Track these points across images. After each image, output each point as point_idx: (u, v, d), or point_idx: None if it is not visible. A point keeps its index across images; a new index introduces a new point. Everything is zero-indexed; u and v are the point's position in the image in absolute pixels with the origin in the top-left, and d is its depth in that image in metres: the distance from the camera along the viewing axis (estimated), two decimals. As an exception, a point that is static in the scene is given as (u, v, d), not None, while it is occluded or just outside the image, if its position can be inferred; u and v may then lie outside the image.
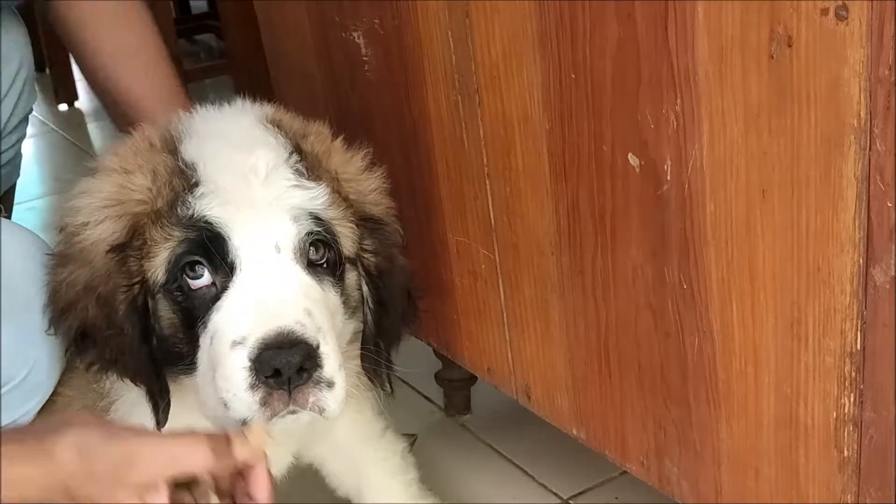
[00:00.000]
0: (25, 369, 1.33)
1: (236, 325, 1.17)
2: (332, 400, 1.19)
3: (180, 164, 1.24)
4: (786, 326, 1.14)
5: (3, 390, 1.33)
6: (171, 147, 1.28)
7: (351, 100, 1.74)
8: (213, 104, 1.40)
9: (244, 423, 1.17)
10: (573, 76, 1.27)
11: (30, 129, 1.85)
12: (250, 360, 1.15)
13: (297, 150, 1.28)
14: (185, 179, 1.22)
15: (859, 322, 1.07)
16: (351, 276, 1.31)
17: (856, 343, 1.08)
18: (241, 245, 1.19)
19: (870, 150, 0.99)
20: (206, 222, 1.19)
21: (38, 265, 1.32)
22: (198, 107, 1.40)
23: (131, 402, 1.33)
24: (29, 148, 3.02)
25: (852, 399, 1.11)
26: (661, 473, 1.41)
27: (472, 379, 1.92)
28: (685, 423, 1.33)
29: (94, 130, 4.06)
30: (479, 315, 1.65)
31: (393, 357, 1.38)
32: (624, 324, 1.36)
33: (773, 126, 1.06)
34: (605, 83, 1.23)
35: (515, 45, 1.35)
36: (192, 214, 1.19)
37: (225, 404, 1.17)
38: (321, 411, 1.19)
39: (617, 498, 1.75)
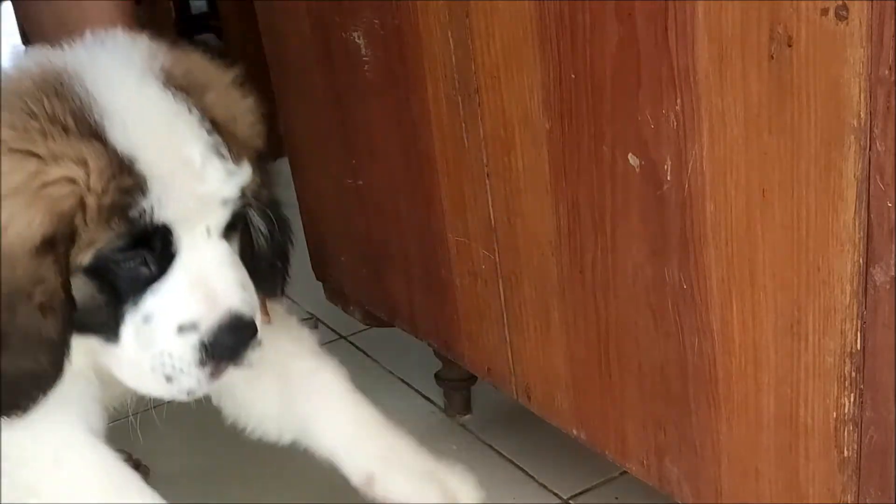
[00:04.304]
0: None
1: (183, 310, 1.22)
2: (259, 353, 1.28)
3: (120, 159, 1.17)
4: (786, 326, 1.14)
5: None
6: (93, 130, 1.18)
7: (351, 100, 1.74)
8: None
9: (190, 394, 1.25)
10: (573, 76, 1.27)
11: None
12: (203, 342, 1.22)
13: (210, 120, 1.25)
14: (132, 178, 1.18)
15: (859, 322, 1.07)
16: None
17: (856, 343, 1.08)
18: (183, 235, 1.22)
19: (870, 150, 0.99)
20: (158, 223, 1.20)
21: None
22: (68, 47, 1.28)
23: None
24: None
25: (852, 399, 1.11)
26: (661, 473, 1.41)
27: (472, 379, 1.92)
28: (685, 423, 1.33)
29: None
30: (479, 315, 1.65)
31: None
32: (624, 324, 1.36)
33: (773, 126, 1.06)
34: (605, 83, 1.23)
35: (515, 45, 1.35)
36: (148, 218, 1.18)
37: (169, 378, 1.24)
38: (249, 365, 1.28)
39: (617, 498, 1.74)
